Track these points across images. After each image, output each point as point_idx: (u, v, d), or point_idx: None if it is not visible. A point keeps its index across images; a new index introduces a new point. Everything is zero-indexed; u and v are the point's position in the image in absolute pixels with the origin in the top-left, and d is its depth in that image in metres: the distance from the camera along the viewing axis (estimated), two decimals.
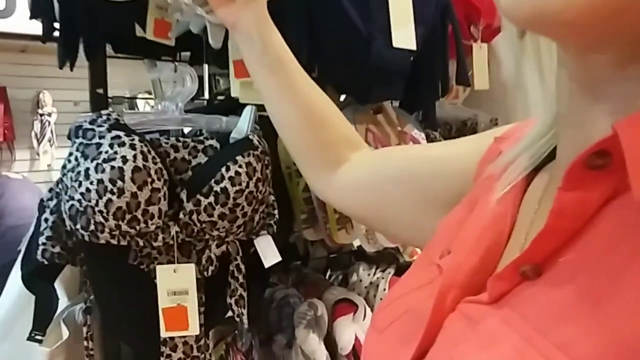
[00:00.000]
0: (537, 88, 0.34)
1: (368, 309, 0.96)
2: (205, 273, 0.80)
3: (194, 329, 0.74)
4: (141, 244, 0.75)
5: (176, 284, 0.74)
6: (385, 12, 0.92)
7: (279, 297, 0.98)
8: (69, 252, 0.78)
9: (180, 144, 0.81)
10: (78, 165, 0.72)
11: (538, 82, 0.33)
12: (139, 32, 0.90)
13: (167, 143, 0.80)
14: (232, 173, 0.75)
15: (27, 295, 0.87)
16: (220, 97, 1.23)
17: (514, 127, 0.43)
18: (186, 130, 0.92)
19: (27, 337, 0.83)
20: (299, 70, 0.62)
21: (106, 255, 0.75)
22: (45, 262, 0.77)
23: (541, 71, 0.33)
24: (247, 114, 0.83)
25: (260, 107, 0.85)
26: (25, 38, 2.25)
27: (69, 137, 0.78)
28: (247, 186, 0.76)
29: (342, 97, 1.06)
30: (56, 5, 0.80)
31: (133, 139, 0.72)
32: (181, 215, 0.76)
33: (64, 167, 0.76)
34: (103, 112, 0.76)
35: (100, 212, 0.70)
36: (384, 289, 1.01)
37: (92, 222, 0.71)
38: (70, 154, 0.74)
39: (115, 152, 0.70)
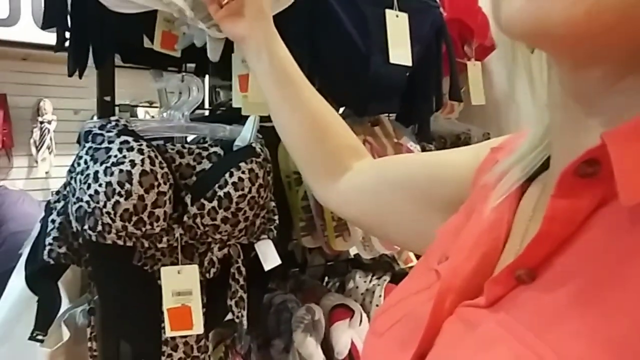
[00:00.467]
0: (529, 102, 0.35)
1: (364, 315, 0.99)
2: (207, 275, 0.83)
3: (198, 328, 0.76)
4: (146, 245, 0.78)
5: (180, 284, 0.77)
6: (383, 31, 0.97)
7: (277, 302, 1.01)
8: (75, 253, 0.81)
9: (185, 151, 0.84)
10: (87, 168, 0.75)
11: (530, 96, 0.35)
12: (146, 43, 0.93)
13: (172, 149, 0.83)
14: (235, 179, 0.78)
15: (27, 299, 0.88)
16: (222, 108, 1.26)
17: (510, 138, 0.45)
18: (190, 137, 0.95)
19: (29, 337, 0.85)
20: (305, 82, 0.65)
21: (111, 256, 0.78)
22: (52, 262, 0.79)
23: (532, 85, 0.35)
24: (250, 123, 0.87)
25: (263, 118, 0.89)
26: (28, 46, 2.28)
27: (78, 142, 0.81)
28: (250, 191, 0.79)
29: (341, 110, 1.09)
30: (69, 15, 0.83)
31: (141, 144, 0.75)
32: (185, 219, 0.78)
33: (71, 170, 0.79)
34: (112, 118, 0.79)
35: (108, 213, 0.72)
36: (380, 296, 1.04)
37: (100, 222, 0.73)
38: (80, 158, 0.77)
39: (124, 156, 0.73)
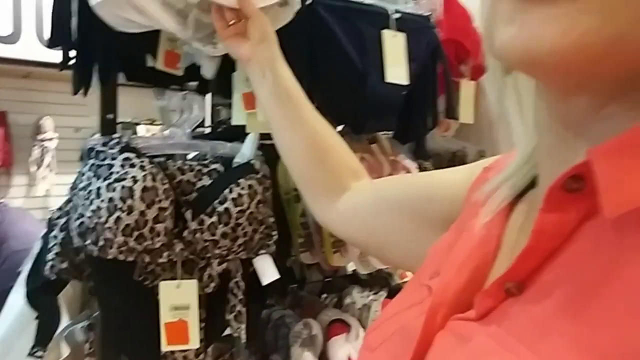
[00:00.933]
0: (518, 122, 0.37)
1: (361, 329, 0.99)
2: (206, 290, 0.83)
3: (194, 342, 0.77)
4: (147, 260, 0.79)
5: (179, 299, 0.77)
6: (380, 50, 0.99)
7: (275, 317, 1.01)
8: (76, 268, 0.82)
9: (186, 167, 0.85)
10: (90, 184, 0.76)
11: (518, 117, 0.36)
12: (149, 62, 0.96)
13: (174, 166, 0.85)
14: (234, 195, 0.80)
15: (27, 316, 0.89)
16: (223, 126, 1.28)
17: (501, 157, 0.46)
18: (191, 154, 0.97)
19: (28, 353, 0.85)
20: (306, 102, 0.66)
21: (113, 271, 0.79)
22: (53, 277, 0.80)
23: (520, 106, 0.36)
24: (250, 140, 0.89)
25: (263, 135, 0.91)
26: (30, 64, 2.30)
27: (81, 159, 0.83)
28: (248, 207, 0.80)
29: (339, 128, 1.11)
30: (74, 34, 0.85)
31: (143, 161, 0.77)
32: (185, 234, 0.80)
33: (74, 187, 0.81)
34: (114, 135, 0.81)
35: (110, 228, 0.74)
36: (376, 311, 1.04)
37: (102, 238, 0.74)
38: (82, 174, 0.79)
39: (126, 173, 0.75)
